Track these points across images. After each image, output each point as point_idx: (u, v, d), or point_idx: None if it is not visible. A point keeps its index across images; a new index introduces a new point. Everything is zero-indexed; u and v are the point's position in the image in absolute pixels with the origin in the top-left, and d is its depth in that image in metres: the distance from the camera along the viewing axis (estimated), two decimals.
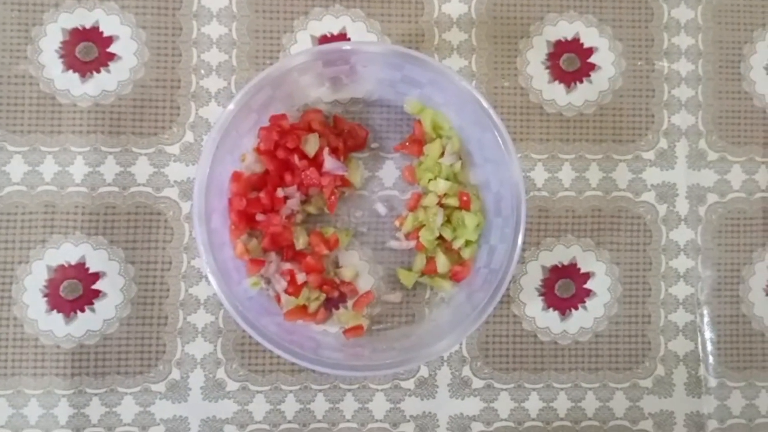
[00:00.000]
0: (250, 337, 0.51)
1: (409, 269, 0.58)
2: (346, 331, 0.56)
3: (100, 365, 0.56)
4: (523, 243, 0.51)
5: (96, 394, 0.56)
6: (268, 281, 0.56)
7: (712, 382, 0.61)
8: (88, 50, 0.58)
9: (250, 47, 0.59)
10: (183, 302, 0.57)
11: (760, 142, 0.62)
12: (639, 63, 0.62)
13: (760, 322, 0.61)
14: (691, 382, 0.60)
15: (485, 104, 0.51)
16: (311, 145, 0.55)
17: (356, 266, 0.58)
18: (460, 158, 0.57)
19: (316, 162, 0.55)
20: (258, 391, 0.57)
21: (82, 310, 0.57)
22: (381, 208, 0.59)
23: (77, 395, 0.56)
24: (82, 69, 0.58)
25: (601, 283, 0.60)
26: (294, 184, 0.55)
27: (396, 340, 0.57)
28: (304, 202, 0.57)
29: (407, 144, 0.58)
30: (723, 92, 0.62)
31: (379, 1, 0.60)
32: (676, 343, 0.60)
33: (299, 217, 0.57)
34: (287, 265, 0.56)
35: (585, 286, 0.60)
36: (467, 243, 0.57)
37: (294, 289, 0.55)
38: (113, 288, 0.57)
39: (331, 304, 0.58)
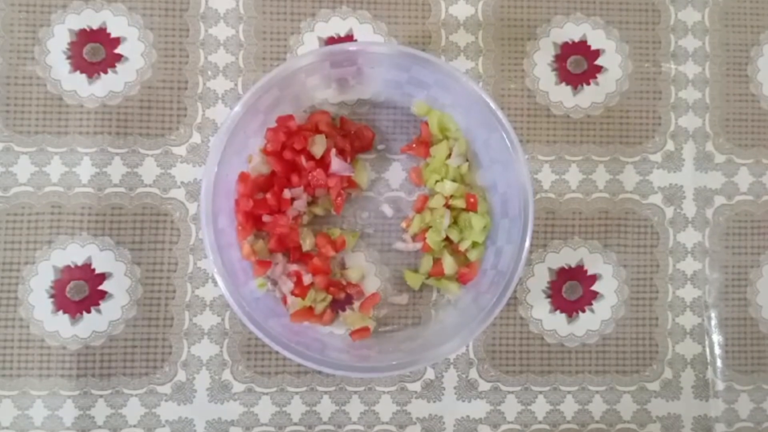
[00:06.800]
0: (257, 338, 0.51)
1: (416, 271, 0.58)
2: (352, 333, 0.56)
3: (106, 366, 0.56)
4: (530, 245, 0.51)
5: (101, 396, 0.56)
6: (275, 282, 0.56)
7: (720, 386, 0.60)
8: (95, 51, 0.58)
9: (257, 48, 0.59)
10: (189, 303, 0.57)
11: (767, 145, 0.62)
12: (646, 65, 0.62)
13: (767, 325, 0.61)
14: (698, 385, 0.60)
15: (492, 105, 0.51)
16: (318, 146, 0.55)
17: (363, 268, 0.58)
18: (467, 160, 0.57)
19: (322, 163, 0.55)
20: (264, 393, 0.57)
21: (88, 311, 0.57)
22: (387, 210, 0.59)
23: (83, 396, 0.56)
24: (90, 70, 0.58)
25: (608, 286, 0.60)
26: (301, 185, 0.55)
27: (402, 341, 0.57)
28: (310, 204, 0.57)
29: (414, 145, 0.58)
30: (730, 94, 0.62)
31: (385, 2, 0.60)
32: (683, 346, 0.60)
33: (306, 219, 0.57)
34: (294, 267, 0.56)
35: (592, 288, 0.60)
36: (474, 245, 0.56)
37: (300, 290, 0.55)
38: (119, 289, 0.57)
39: (337, 306, 0.58)
